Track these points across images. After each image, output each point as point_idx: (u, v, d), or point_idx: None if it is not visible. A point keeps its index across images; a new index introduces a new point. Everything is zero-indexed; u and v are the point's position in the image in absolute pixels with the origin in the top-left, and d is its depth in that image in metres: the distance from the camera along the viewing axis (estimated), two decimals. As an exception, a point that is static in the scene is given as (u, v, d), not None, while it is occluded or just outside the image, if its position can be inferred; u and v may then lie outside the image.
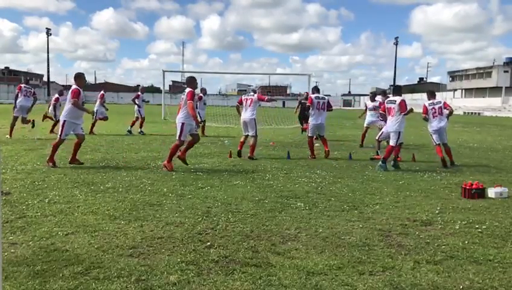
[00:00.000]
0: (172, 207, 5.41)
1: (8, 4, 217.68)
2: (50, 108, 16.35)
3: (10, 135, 13.41)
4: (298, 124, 18.21)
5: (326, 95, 13.59)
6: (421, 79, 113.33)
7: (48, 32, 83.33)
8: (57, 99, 16.26)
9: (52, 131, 15.83)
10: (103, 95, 16.56)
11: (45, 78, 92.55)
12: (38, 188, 6.31)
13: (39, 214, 4.97)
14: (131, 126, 16.15)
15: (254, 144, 9.92)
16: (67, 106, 8.33)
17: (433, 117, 9.42)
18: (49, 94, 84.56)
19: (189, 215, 5.08)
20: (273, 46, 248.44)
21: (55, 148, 8.27)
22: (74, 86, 8.42)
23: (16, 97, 13.67)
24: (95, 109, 16.17)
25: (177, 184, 6.81)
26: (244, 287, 3.21)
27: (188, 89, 8.36)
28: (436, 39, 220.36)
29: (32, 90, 14.01)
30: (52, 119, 16.17)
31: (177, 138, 8.31)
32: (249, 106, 10.02)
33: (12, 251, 3.81)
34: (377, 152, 10.38)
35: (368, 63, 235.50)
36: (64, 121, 8.29)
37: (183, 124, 8.26)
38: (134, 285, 3.20)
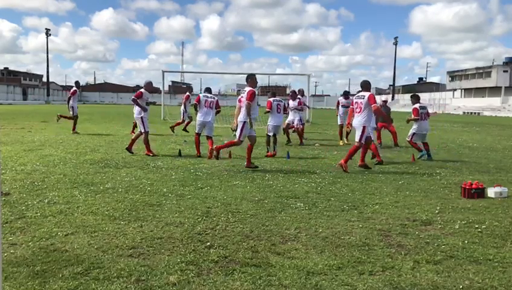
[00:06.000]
0: (172, 207, 5.41)
1: (8, 5, 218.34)
2: (182, 108, 16.90)
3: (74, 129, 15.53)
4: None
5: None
6: (420, 79, 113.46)
7: (48, 33, 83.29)
8: (187, 97, 16.87)
9: (185, 129, 16.44)
10: (188, 96, 17.17)
11: (45, 79, 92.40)
12: (38, 188, 6.30)
13: (39, 214, 4.97)
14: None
15: (144, 140, 10.15)
16: (243, 107, 8.47)
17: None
18: (48, 94, 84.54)
19: (189, 215, 5.08)
20: (272, 46, 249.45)
21: (229, 145, 8.70)
22: (248, 88, 8.48)
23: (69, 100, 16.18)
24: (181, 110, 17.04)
25: (177, 184, 6.81)
26: (244, 287, 3.21)
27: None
28: (435, 39, 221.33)
29: (68, 94, 16.38)
30: (183, 122, 16.75)
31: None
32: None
33: (12, 251, 3.81)
34: (268, 149, 10.62)
35: (367, 63, 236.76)
36: (244, 122, 8.43)
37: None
38: (134, 285, 3.19)
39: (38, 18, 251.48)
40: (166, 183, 6.91)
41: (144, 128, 10.15)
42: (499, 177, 8.10)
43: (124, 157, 9.66)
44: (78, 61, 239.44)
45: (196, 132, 10.50)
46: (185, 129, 16.55)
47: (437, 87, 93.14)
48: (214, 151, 9.31)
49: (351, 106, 9.61)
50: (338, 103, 14.55)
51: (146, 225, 4.66)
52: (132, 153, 10.13)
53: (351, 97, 14.18)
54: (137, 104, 10.17)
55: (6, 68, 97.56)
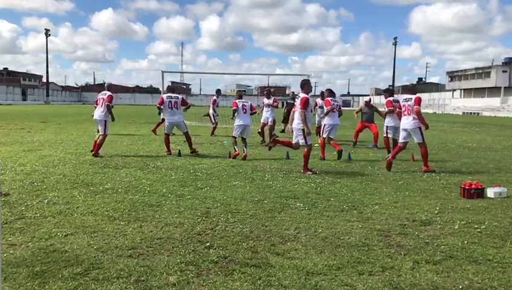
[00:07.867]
0: (172, 208, 5.41)
1: (7, 5, 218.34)
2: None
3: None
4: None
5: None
6: (420, 79, 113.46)
7: (47, 33, 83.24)
8: (214, 102, 17.50)
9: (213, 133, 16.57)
10: (215, 100, 17.58)
11: (44, 79, 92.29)
12: (38, 189, 6.30)
13: (38, 215, 4.97)
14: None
15: (100, 141, 10.03)
16: (298, 115, 8.38)
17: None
18: (47, 95, 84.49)
19: (189, 216, 5.08)
20: (272, 46, 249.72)
21: (287, 145, 8.73)
22: (302, 94, 8.42)
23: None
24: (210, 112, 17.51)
25: (176, 185, 6.81)
26: (244, 287, 3.21)
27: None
28: (435, 39, 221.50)
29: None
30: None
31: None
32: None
33: (11, 252, 3.81)
34: (235, 149, 10.42)
35: (367, 64, 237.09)
36: (303, 129, 8.34)
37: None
38: (133, 286, 3.19)
39: (38, 18, 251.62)
40: (165, 183, 6.91)
41: (105, 131, 10.14)
42: (498, 177, 8.10)
43: (124, 158, 9.67)
44: (78, 61, 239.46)
45: (165, 132, 10.70)
46: (213, 133, 16.61)
47: (436, 87, 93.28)
48: (271, 143, 9.04)
49: (397, 109, 9.65)
50: (315, 104, 14.99)
51: (145, 226, 4.66)
52: (102, 156, 9.78)
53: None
54: (110, 109, 10.28)
55: (5, 68, 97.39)
